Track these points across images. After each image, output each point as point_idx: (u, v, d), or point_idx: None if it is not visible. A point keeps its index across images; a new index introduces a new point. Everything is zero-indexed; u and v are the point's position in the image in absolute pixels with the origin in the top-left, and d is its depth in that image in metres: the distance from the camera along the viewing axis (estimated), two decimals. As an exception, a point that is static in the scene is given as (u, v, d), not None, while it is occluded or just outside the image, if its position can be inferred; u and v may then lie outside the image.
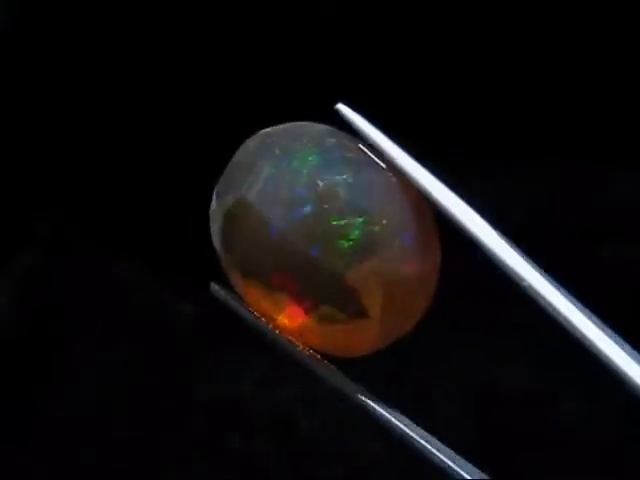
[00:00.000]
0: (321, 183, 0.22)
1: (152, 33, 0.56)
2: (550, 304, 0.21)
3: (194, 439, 0.51)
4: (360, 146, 0.23)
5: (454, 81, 0.56)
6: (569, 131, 0.56)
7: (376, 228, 0.22)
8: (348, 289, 0.22)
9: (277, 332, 0.23)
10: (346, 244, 0.22)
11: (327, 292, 0.22)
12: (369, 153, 0.23)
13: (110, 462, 0.50)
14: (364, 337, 0.23)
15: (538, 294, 0.21)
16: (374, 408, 0.23)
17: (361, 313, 0.22)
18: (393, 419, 0.23)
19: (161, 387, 0.52)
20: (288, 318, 0.23)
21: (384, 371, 0.42)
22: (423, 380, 0.51)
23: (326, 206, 0.22)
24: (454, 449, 0.23)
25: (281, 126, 0.24)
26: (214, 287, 0.24)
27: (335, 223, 0.22)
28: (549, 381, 0.51)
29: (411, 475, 0.48)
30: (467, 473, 0.22)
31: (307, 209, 0.22)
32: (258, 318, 0.23)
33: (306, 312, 0.22)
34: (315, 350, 0.23)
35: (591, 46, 0.56)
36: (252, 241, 0.22)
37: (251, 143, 0.24)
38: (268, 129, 0.24)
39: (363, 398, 0.23)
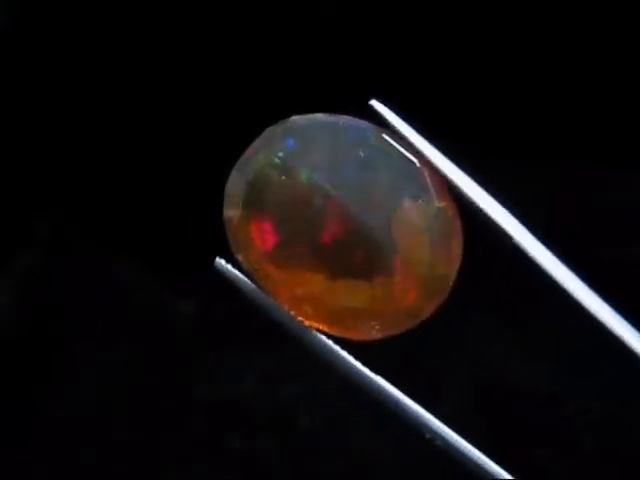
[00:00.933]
0: (363, 154, 0.22)
1: (154, 34, 0.56)
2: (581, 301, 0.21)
3: (194, 439, 0.51)
4: (385, 136, 0.23)
5: (454, 82, 0.56)
6: (569, 131, 0.56)
7: (412, 210, 0.22)
8: (377, 261, 0.22)
9: (285, 310, 0.23)
10: (381, 220, 0.22)
11: (356, 262, 0.22)
12: (397, 145, 0.23)
13: (110, 462, 0.50)
14: (379, 316, 0.22)
15: (564, 289, 0.21)
16: (382, 394, 0.23)
17: (384, 288, 0.22)
18: (403, 406, 0.23)
19: (161, 387, 0.52)
20: (310, 284, 0.22)
21: (397, 358, 0.42)
22: (437, 369, 0.51)
23: (369, 174, 0.22)
24: (462, 440, 0.23)
25: (309, 115, 0.23)
26: (218, 262, 0.23)
27: (375, 193, 0.22)
28: (562, 379, 0.51)
29: (411, 472, 0.48)
30: (473, 468, 0.22)
31: (350, 174, 0.22)
32: (265, 295, 0.23)
33: (331, 278, 0.22)
34: (325, 332, 0.23)
35: (591, 46, 0.56)
36: (287, 201, 0.22)
37: (277, 127, 0.23)
38: (294, 116, 0.23)
39: (370, 383, 0.23)
